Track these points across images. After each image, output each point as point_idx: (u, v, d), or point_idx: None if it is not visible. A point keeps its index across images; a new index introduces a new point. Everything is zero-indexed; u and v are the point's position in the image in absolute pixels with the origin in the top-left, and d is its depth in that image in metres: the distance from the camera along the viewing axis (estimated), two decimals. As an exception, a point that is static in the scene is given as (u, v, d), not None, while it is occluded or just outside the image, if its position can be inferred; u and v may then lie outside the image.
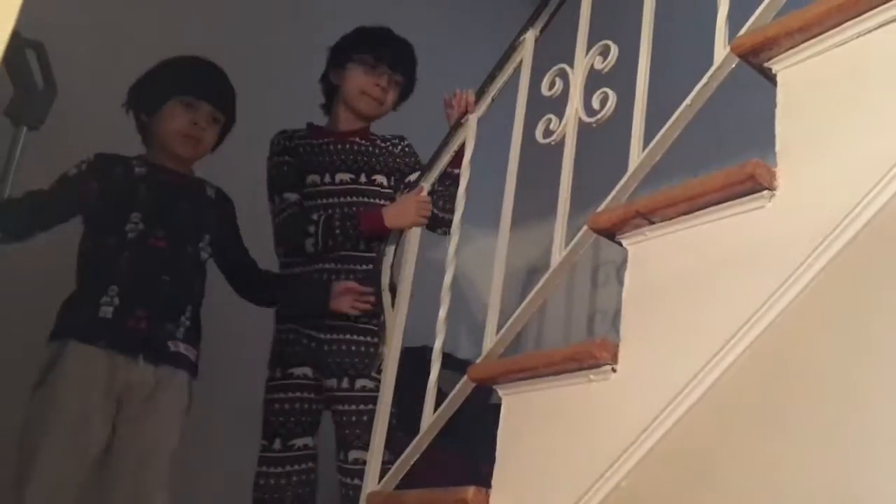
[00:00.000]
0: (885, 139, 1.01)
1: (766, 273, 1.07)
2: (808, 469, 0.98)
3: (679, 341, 1.15)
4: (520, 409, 1.35)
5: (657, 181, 1.35)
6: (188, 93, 1.88)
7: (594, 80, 1.52)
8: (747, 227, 1.12)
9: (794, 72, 1.13)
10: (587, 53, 1.54)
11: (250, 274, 1.98)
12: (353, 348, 1.98)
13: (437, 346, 1.63)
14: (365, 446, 1.75)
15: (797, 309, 1.04)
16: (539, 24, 1.73)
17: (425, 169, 1.91)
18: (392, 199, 2.06)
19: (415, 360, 1.86)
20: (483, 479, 1.93)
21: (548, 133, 1.56)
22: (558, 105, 1.56)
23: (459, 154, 1.81)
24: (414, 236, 1.90)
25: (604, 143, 1.52)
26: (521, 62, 1.73)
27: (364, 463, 1.73)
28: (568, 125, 1.53)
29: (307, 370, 1.97)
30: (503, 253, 1.56)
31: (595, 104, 1.48)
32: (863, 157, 1.02)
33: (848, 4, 1.05)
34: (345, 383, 1.94)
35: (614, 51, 1.49)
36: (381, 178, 2.08)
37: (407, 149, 2.15)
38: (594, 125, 1.48)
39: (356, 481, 1.79)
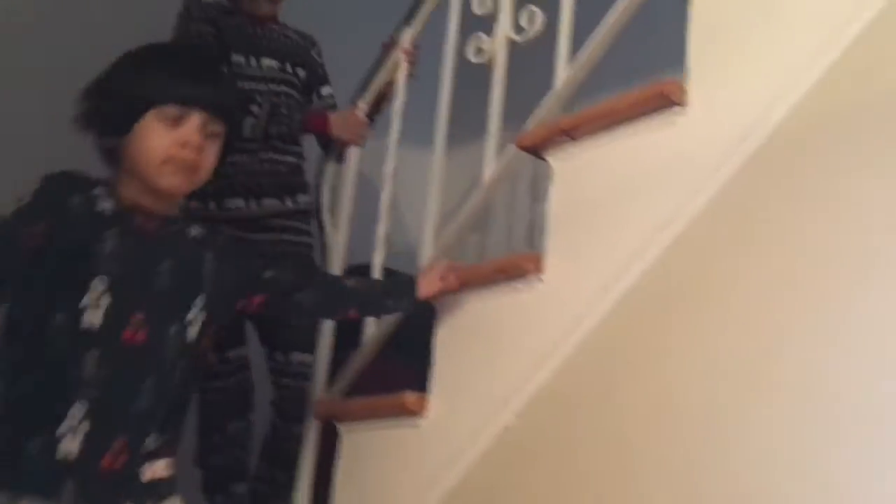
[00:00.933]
0: (786, 54, 1.07)
1: (677, 185, 1.14)
2: (710, 352, 1.06)
3: (599, 251, 1.22)
4: (454, 317, 1.42)
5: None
6: (171, 100, 1.18)
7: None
8: (661, 141, 1.18)
9: (707, -7, 1.18)
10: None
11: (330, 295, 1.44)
12: (280, 250, 1.90)
13: (377, 261, 1.69)
14: (308, 349, 1.80)
15: (704, 218, 1.12)
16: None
17: (360, 88, 1.93)
18: (307, 95, 2.02)
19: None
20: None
21: (479, 52, 1.59)
22: (490, 25, 1.58)
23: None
24: (354, 155, 1.93)
25: (545, 61, 1.53)
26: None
27: (307, 365, 1.81)
28: (497, 44, 1.56)
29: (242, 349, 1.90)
30: (439, 167, 1.60)
31: (524, 22, 1.51)
32: (766, 73, 1.08)
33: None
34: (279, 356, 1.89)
35: (542, -31, 1.51)
36: (301, 72, 2.02)
37: (319, 56, 2.09)
38: (522, 43, 1.52)
39: (298, 382, 1.84)
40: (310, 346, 1.81)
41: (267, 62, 1.95)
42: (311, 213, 1.94)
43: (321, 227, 1.92)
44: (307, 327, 1.84)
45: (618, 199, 1.23)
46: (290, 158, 1.94)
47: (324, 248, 1.89)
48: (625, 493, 1.09)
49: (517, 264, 1.31)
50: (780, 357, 1.00)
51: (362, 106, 1.93)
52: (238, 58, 1.93)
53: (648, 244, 1.15)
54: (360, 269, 2.00)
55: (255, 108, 1.86)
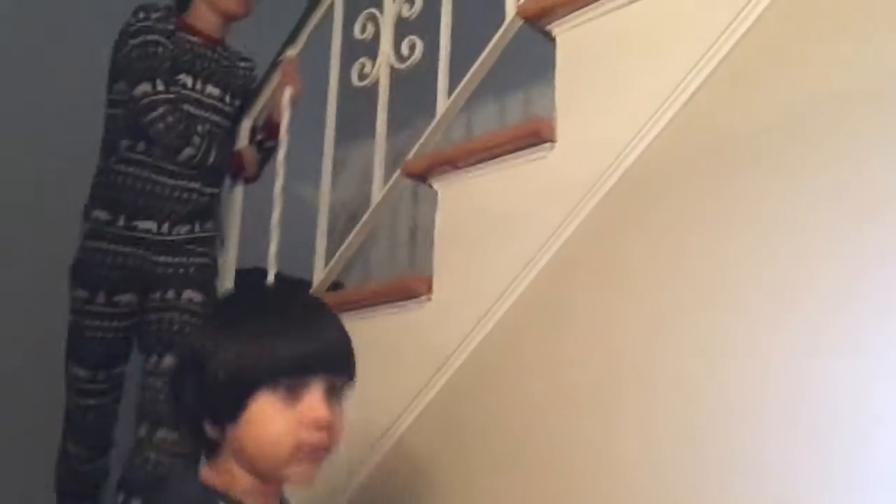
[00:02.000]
0: (634, 100, 1.21)
1: (549, 213, 1.27)
2: (585, 359, 1.20)
3: (483, 272, 1.34)
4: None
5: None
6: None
7: (407, 27, 1.63)
8: (534, 173, 1.31)
9: (569, 36, 1.31)
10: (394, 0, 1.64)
11: None
12: (184, 270, 1.90)
13: (270, 279, 1.75)
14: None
15: (574, 242, 1.25)
16: (347, -34, 1.80)
17: (245, 106, 1.97)
18: (232, 118, 2.00)
19: (247, 281, 1.93)
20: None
21: (362, 76, 1.67)
22: (373, 50, 1.66)
23: (273, 127, 1.91)
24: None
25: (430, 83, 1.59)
26: (333, 2, 1.81)
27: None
28: (381, 69, 1.64)
29: (132, 297, 1.86)
30: (326, 195, 1.68)
31: (405, 51, 1.60)
32: (623, 114, 1.22)
33: (610, -19, 1.23)
34: (170, 294, 1.86)
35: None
36: (237, 102, 2.00)
37: (253, 84, 2.04)
38: (405, 70, 1.61)
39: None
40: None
41: (210, 89, 1.93)
42: (217, 238, 1.96)
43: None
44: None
45: (498, 224, 1.34)
46: (213, 190, 1.93)
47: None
48: (511, 490, 1.22)
49: (409, 286, 1.41)
50: (627, 368, 1.16)
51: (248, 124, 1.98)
52: (186, 79, 1.88)
53: (525, 267, 1.28)
54: (251, 273, 2.02)
55: (196, 139, 1.84)
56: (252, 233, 1.92)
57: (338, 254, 1.61)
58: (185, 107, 1.86)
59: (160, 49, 1.84)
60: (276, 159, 1.85)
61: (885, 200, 0.97)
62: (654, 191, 1.19)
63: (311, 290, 1.63)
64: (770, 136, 1.08)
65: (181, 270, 1.88)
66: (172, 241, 1.88)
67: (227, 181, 1.98)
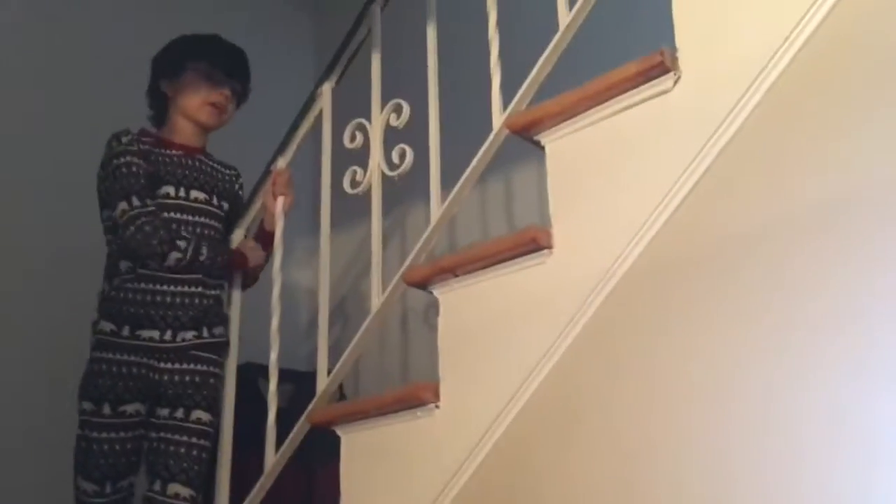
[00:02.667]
0: (627, 205, 1.26)
1: (551, 318, 1.30)
2: (599, 468, 1.22)
3: (490, 378, 1.36)
4: (358, 446, 1.51)
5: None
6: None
7: (395, 135, 1.68)
8: (533, 279, 1.34)
9: (559, 145, 1.36)
10: (382, 110, 1.70)
11: None
12: (190, 378, 1.91)
13: (273, 358, 1.76)
14: (187, 482, 1.82)
15: (577, 347, 1.28)
16: (335, 76, 1.87)
17: (238, 217, 2.01)
18: (229, 228, 2.05)
19: (239, 379, 1.95)
20: (318, 485, 2.12)
21: (355, 184, 1.71)
22: (363, 156, 1.71)
23: (266, 235, 1.97)
24: (237, 277, 2.00)
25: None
26: (321, 112, 1.87)
27: (183, 498, 1.81)
28: (372, 178, 1.68)
29: (139, 406, 1.86)
30: (325, 303, 1.70)
31: (395, 158, 1.65)
32: (615, 222, 1.27)
33: (594, 94, 1.29)
34: (179, 413, 1.88)
35: (406, 109, 1.66)
36: (225, 204, 2.05)
37: (241, 189, 2.12)
38: (396, 178, 1.65)
39: None
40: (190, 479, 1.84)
41: (195, 194, 1.98)
42: (226, 345, 1.97)
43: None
44: (194, 457, 1.86)
45: (501, 330, 1.37)
46: (212, 291, 1.95)
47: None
48: None
49: (415, 394, 1.42)
50: (638, 471, 1.17)
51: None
52: (168, 189, 1.93)
53: (531, 373, 1.30)
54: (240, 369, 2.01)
55: (181, 242, 1.87)
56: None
57: (339, 363, 1.62)
58: (169, 214, 1.91)
59: (133, 168, 1.90)
60: (273, 267, 1.87)
61: (858, 300, 1.02)
62: (650, 293, 1.22)
63: (315, 400, 1.63)
64: (753, 240, 1.13)
65: (187, 378, 1.89)
66: (178, 347, 1.89)
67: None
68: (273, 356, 1.78)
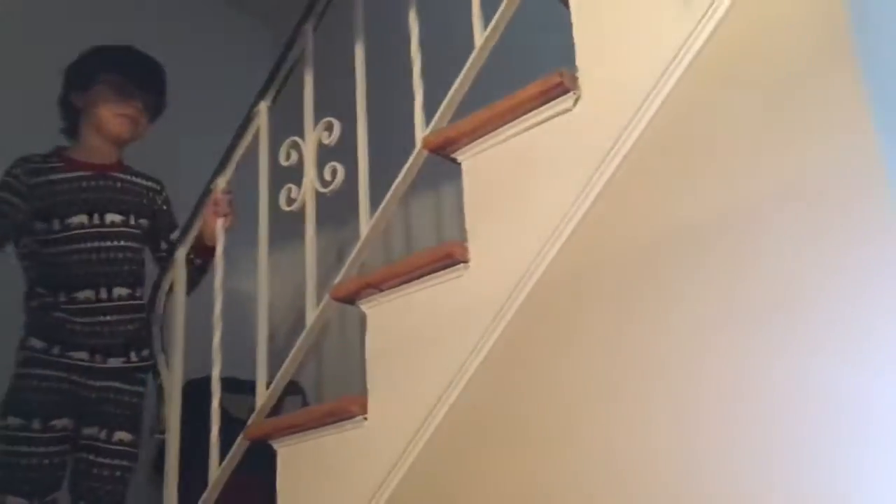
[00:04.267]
0: (536, 218, 1.31)
1: (468, 328, 1.34)
2: (518, 469, 1.26)
3: (411, 390, 1.40)
4: (292, 459, 1.55)
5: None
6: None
7: (329, 152, 1.72)
8: (451, 292, 1.39)
9: (473, 162, 1.41)
10: (315, 128, 1.74)
11: None
12: (115, 397, 1.97)
13: (215, 374, 1.77)
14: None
15: (494, 356, 1.32)
16: (270, 95, 1.90)
17: (180, 236, 2.04)
18: (153, 243, 2.09)
19: (198, 392, 1.96)
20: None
21: (290, 201, 1.75)
22: (299, 173, 1.74)
23: (205, 249, 1.99)
24: (180, 295, 2.02)
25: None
26: (258, 130, 1.90)
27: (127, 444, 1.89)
28: (306, 194, 1.72)
29: (67, 422, 1.89)
30: (264, 318, 1.74)
31: (327, 176, 1.69)
32: (525, 234, 1.31)
33: (502, 112, 1.34)
34: (103, 434, 1.93)
35: (337, 127, 1.70)
36: (144, 222, 2.08)
37: (166, 203, 2.15)
38: (328, 194, 1.69)
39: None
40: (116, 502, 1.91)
41: (111, 217, 2.00)
42: (152, 367, 2.00)
43: (154, 372, 1.98)
44: (118, 479, 1.93)
45: (422, 342, 1.41)
46: (136, 315, 2.01)
47: (160, 392, 1.96)
48: None
49: (344, 407, 1.46)
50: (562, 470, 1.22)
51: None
52: (81, 218, 1.96)
53: (449, 386, 1.34)
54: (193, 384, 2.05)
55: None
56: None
57: (275, 380, 1.66)
58: (85, 244, 1.95)
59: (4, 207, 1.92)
60: (214, 284, 1.90)
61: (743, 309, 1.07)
62: (562, 299, 1.27)
63: (253, 415, 1.67)
64: (654, 250, 1.18)
65: (112, 396, 1.95)
66: (107, 368, 1.95)
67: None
68: (215, 372, 1.80)
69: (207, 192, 2.01)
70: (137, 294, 2.04)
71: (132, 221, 2.03)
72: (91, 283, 1.95)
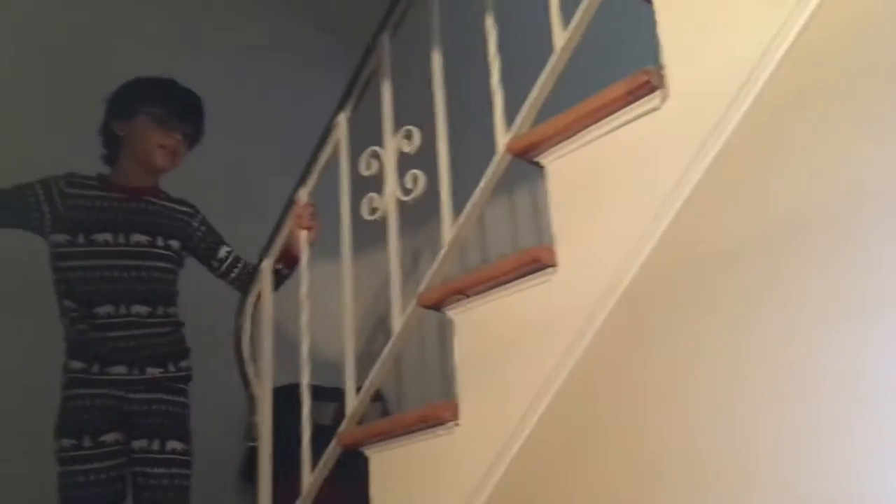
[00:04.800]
0: (625, 220, 1.29)
1: (559, 334, 1.34)
2: (618, 472, 1.25)
3: (504, 395, 1.40)
4: (384, 465, 1.57)
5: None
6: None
7: (408, 160, 1.73)
8: (540, 297, 1.38)
9: (557, 165, 1.40)
10: (394, 136, 1.75)
11: None
12: (157, 408, 2.05)
13: (304, 381, 1.81)
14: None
15: (587, 359, 1.31)
16: (349, 106, 1.93)
17: (266, 246, 2.08)
18: (178, 262, 2.17)
19: (284, 399, 1.99)
20: None
21: (372, 210, 1.77)
22: (379, 182, 1.76)
23: (290, 257, 2.05)
24: (267, 305, 2.07)
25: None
26: (338, 142, 1.93)
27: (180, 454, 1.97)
28: (388, 203, 1.74)
29: (118, 435, 1.97)
30: (350, 326, 1.76)
31: (409, 184, 1.70)
32: (614, 237, 1.30)
33: (586, 114, 1.33)
34: (155, 446, 2.00)
35: (417, 135, 1.71)
36: (174, 243, 2.16)
37: (202, 224, 2.24)
38: (410, 202, 1.70)
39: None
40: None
41: (137, 237, 2.09)
42: (191, 378, 2.11)
43: (245, 380, 2.03)
44: (176, 487, 2.01)
45: (511, 347, 1.41)
46: (165, 329, 2.10)
47: (251, 400, 2.01)
48: None
49: (435, 413, 1.47)
50: (664, 473, 1.20)
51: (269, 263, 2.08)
52: (106, 236, 2.05)
53: (542, 390, 1.34)
54: (282, 391, 2.09)
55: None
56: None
57: (365, 386, 1.68)
58: (109, 261, 2.03)
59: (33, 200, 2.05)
60: (300, 292, 1.94)
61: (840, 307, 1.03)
62: (652, 302, 1.25)
63: (344, 421, 1.69)
64: (748, 251, 1.15)
65: (156, 407, 2.04)
66: (146, 380, 2.04)
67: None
68: (304, 380, 1.84)
69: (290, 203, 2.05)
70: (159, 311, 2.11)
71: (159, 243, 2.12)
72: (111, 298, 2.04)
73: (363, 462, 1.61)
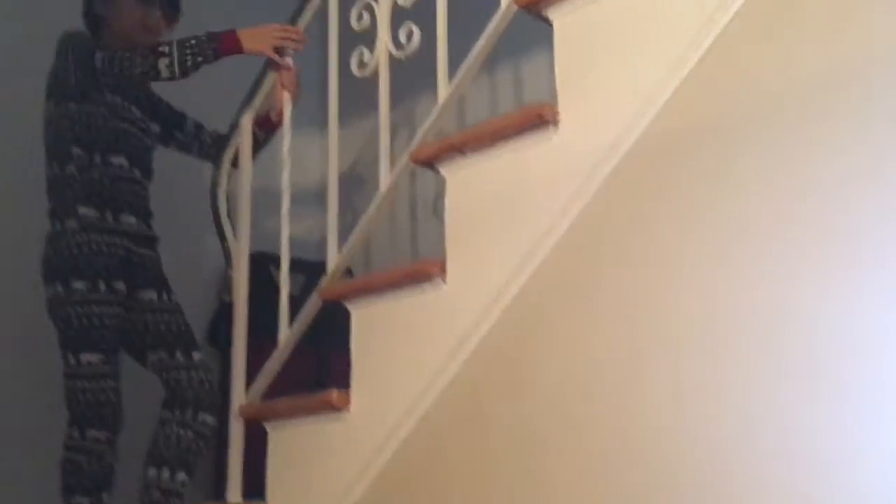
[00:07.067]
0: (639, 77, 1.26)
1: (557, 193, 1.32)
2: (602, 337, 1.27)
3: (494, 253, 1.40)
4: (368, 320, 1.57)
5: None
6: None
7: (402, 15, 1.66)
8: (539, 155, 1.36)
9: (567, 20, 1.35)
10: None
11: None
12: (151, 265, 2.13)
13: (284, 238, 1.79)
14: (210, 406, 2.02)
15: (582, 221, 1.31)
16: (340, -45, 1.83)
17: (245, 102, 2.00)
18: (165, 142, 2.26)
19: (252, 267, 1.97)
20: (329, 371, 2.19)
21: (361, 65, 1.70)
22: (370, 38, 1.70)
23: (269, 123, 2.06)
24: (246, 158, 2.01)
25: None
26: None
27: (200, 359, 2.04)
28: (380, 58, 1.68)
29: (123, 284, 2.04)
30: (334, 177, 1.72)
31: (402, 38, 1.64)
32: (623, 93, 1.27)
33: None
34: (164, 296, 2.11)
35: (413, -14, 1.63)
36: (155, 127, 2.23)
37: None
38: (403, 59, 1.64)
39: (201, 374, 2.04)
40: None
41: (135, 110, 2.17)
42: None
43: (221, 237, 2.00)
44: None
45: (506, 207, 1.40)
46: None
47: (227, 257, 1.98)
48: (531, 471, 1.28)
49: (423, 269, 1.46)
50: (651, 339, 1.22)
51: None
52: (115, 98, 2.11)
53: (535, 248, 1.33)
54: (255, 259, 2.07)
55: (163, 48, 2.01)
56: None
57: (350, 240, 1.66)
58: (115, 122, 2.09)
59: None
60: (282, 151, 1.89)
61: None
62: (655, 167, 1.24)
63: (326, 277, 1.68)
64: (760, 110, 1.14)
65: (149, 264, 2.12)
66: (146, 235, 2.12)
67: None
68: (284, 234, 1.81)
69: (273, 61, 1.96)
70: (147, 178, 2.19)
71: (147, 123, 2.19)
72: (125, 151, 2.10)
73: (333, 331, 1.62)
